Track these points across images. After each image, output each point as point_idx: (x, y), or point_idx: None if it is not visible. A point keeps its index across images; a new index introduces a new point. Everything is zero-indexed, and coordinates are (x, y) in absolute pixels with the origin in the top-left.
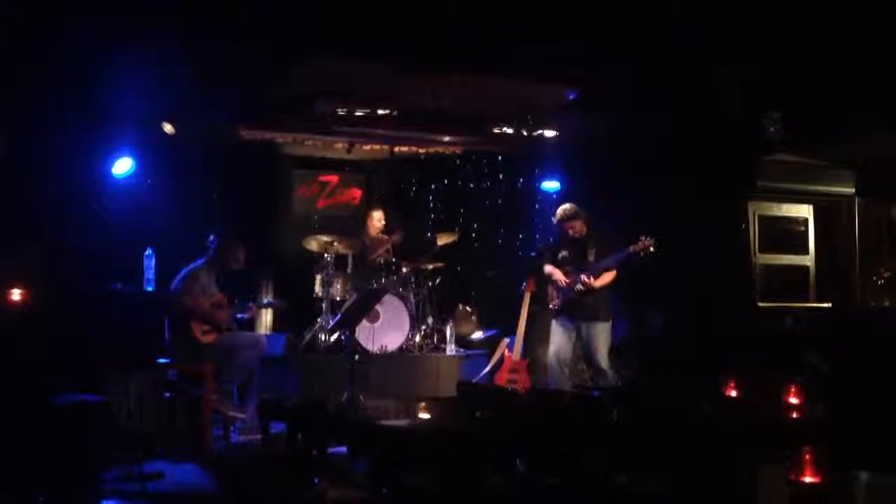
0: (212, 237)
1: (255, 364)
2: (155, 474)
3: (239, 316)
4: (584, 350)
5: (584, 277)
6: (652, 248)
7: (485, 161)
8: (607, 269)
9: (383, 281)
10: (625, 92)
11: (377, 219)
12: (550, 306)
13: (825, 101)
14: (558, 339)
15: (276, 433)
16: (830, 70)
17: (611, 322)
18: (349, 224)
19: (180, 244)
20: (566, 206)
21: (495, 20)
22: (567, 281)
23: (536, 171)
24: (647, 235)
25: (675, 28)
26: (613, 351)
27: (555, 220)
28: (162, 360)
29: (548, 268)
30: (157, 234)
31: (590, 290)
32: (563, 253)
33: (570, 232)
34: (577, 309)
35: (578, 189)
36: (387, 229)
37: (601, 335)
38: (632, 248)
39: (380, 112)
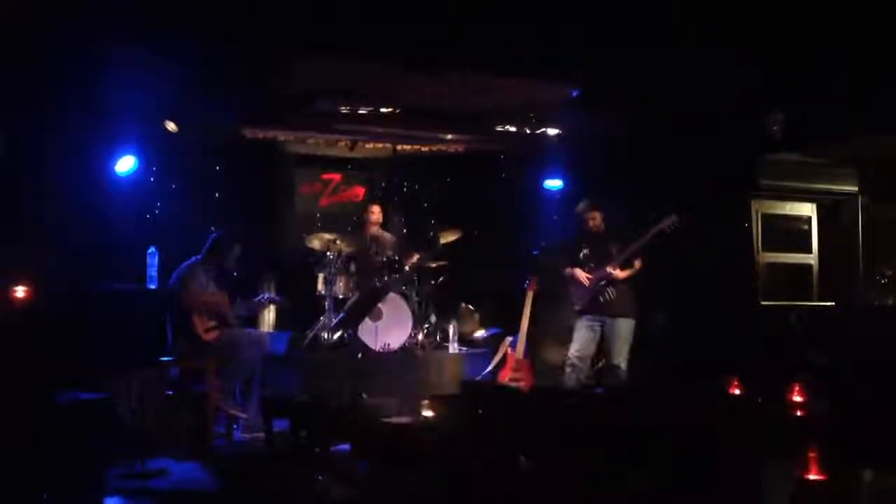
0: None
1: (257, 362)
2: (158, 472)
3: (241, 313)
4: (605, 345)
5: (609, 269)
6: (678, 224)
7: (487, 159)
8: (634, 256)
9: (386, 279)
10: (626, 91)
11: (375, 213)
12: (576, 308)
13: (828, 100)
14: (582, 337)
15: (279, 431)
16: (833, 68)
17: (635, 319)
18: (352, 222)
19: (183, 242)
20: (583, 201)
21: (495, 20)
22: (591, 278)
23: (539, 170)
24: (670, 213)
25: (677, 28)
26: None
27: (577, 212)
28: (164, 359)
29: (568, 269)
30: (160, 232)
31: (615, 282)
32: (584, 251)
33: (591, 224)
34: (603, 305)
35: (581, 187)
36: (384, 225)
37: (624, 331)
38: (658, 227)
39: (382, 110)
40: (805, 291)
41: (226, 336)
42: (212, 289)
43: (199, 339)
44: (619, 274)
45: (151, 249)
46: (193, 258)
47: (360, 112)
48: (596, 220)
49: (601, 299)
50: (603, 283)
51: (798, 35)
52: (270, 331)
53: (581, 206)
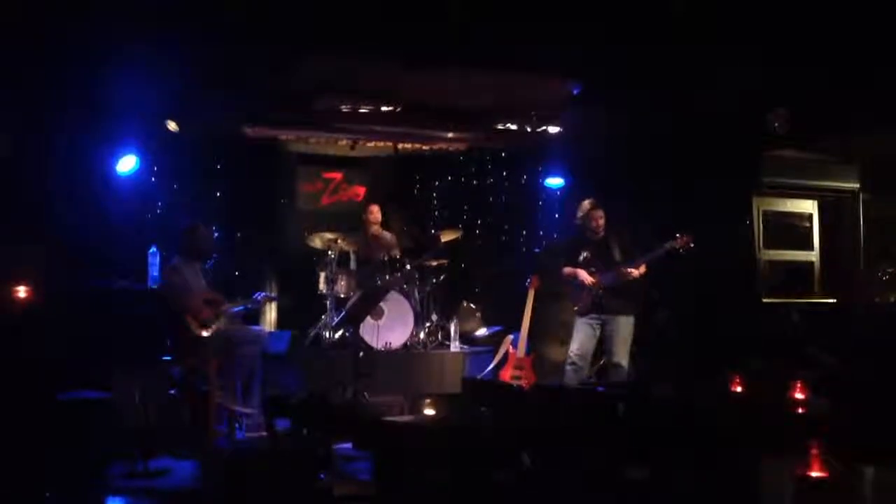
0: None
1: (258, 359)
2: (160, 471)
3: (237, 308)
4: (605, 343)
5: (625, 270)
6: (691, 244)
7: (489, 157)
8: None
9: (387, 278)
10: (627, 88)
11: (374, 212)
12: (576, 308)
13: (830, 97)
14: (582, 336)
15: (281, 429)
16: (835, 65)
17: (634, 316)
18: (353, 221)
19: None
20: (587, 200)
21: (496, 18)
22: (593, 281)
23: (540, 168)
24: (683, 232)
25: (678, 26)
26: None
27: (578, 215)
28: (166, 357)
29: (568, 269)
30: (161, 231)
31: (624, 282)
32: (585, 254)
33: (594, 225)
34: (603, 305)
35: (582, 185)
36: (384, 224)
37: (624, 329)
38: (668, 246)
39: (383, 109)
40: (806, 288)
41: (224, 332)
42: (202, 285)
43: (193, 334)
44: (634, 273)
45: (153, 249)
46: (174, 259)
47: (361, 111)
48: (600, 222)
49: (602, 301)
50: (605, 286)
51: (799, 32)
52: (272, 329)
53: (586, 205)
